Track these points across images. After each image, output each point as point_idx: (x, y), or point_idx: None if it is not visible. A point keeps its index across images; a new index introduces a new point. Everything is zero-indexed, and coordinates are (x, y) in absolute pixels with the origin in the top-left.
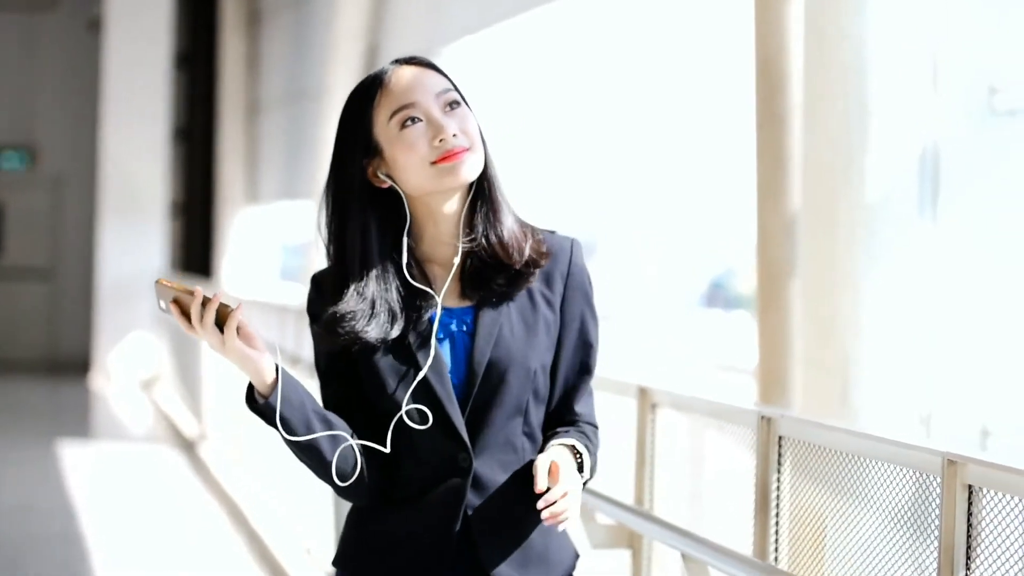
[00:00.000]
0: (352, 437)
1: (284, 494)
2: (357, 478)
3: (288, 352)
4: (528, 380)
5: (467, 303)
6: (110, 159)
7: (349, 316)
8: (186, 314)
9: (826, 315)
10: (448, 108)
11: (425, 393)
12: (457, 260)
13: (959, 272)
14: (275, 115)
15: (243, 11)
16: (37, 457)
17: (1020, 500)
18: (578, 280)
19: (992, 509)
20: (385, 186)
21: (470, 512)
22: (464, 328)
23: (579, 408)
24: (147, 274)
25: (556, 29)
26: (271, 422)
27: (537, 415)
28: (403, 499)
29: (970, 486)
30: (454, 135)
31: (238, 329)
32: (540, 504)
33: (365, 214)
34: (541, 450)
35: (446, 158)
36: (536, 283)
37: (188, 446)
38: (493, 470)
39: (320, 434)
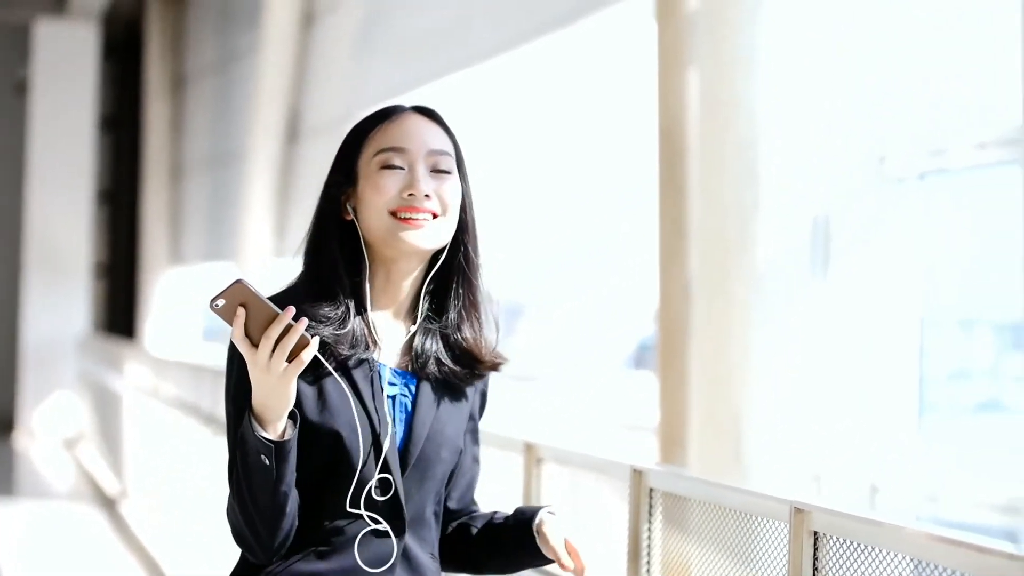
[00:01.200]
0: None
1: (202, 550)
2: (288, 530)
3: (204, 412)
4: (452, 460)
5: (404, 365)
6: (35, 220)
7: (341, 337)
8: (247, 324)
9: (719, 375)
10: (435, 170)
11: (375, 455)
12: (414, 328)
13: (848, 333)
14: (199, 177)
15: (167, 76)
16: None
17: (861, 545)
18: (487, 386)
19: (836, 554)
20: (348, 218)
21: None
22: (408, 395)
23: (476, 505)
24: (70, 335)
25: (473, 94)
26: (274, 461)
27: (443, 494)
28: (326, 552)
29: (815, 532)
30: (426, 195)
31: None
32: None
33: (340, 240)
34: (489, 533)
35: (407, 212)
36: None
37: (109, 504)
38: (414, 543)
39: (289, 504)
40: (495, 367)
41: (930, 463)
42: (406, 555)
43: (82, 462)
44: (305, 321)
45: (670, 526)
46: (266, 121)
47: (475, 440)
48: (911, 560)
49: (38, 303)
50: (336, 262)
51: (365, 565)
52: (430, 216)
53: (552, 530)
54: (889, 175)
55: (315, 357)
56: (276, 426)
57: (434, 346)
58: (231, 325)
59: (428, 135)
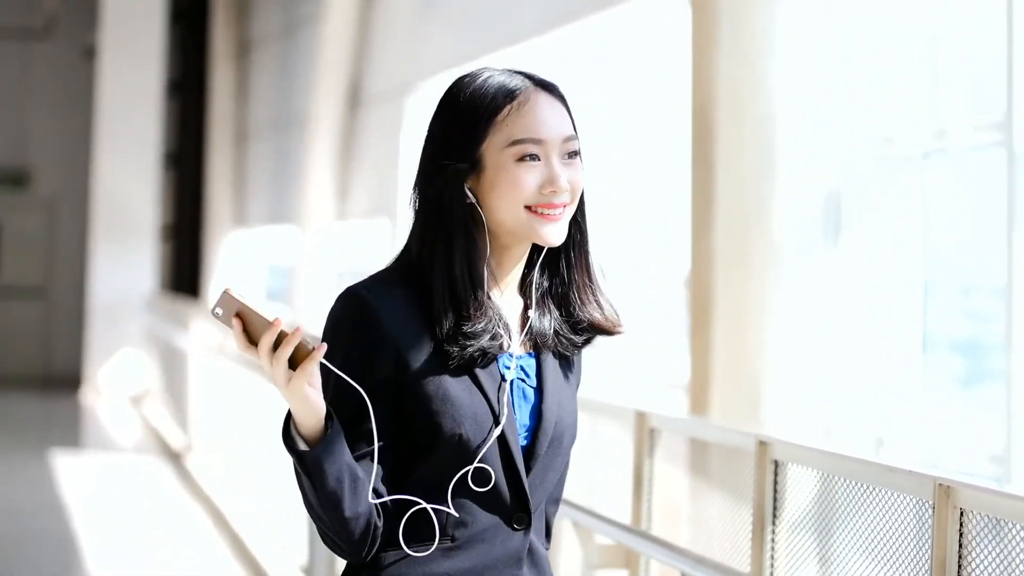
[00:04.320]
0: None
1: (264, 501)
2: (371, 537)
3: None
4: (571, 447)
5: (526, 349)
6: (103, 182)
7: (478, 332)
8: (247, 333)
9: (739, 337)
10: (567, 157)
11: (499, 446)
12: (531, 313)
13: (856, 298)
14: (262, 141)
15: (233, 41)
16: (30, 467)
17: (816, 471)
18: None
19: (794, 480)
20: (468, 202)
21: None
22: (526, 379)
23: (558, 494)
24: (137, 294)
25: (531, 65)
26: (307, 471)
27: None
28: (450, 549)
29: (776, 461)
30: (565, 190)
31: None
32: None
33: (465, 227)
34: None
35: (547, 208)
36: None
37: (175, 457)
38: (537, 536)
39: (399, 496)
40: (613, 328)
41: (931, 417)
42: (530, 549)
43: (148, 418)
44: (301, 330)
45: (667, 461)
46: (328, 87)
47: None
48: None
49: (106, 263)
50: (471, 252)
51: (496, 562)
52: (563, 207)
53: None
54: (895, 154)
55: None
56: (308, 435)
57: (553, 322)
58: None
59: (560, 120)
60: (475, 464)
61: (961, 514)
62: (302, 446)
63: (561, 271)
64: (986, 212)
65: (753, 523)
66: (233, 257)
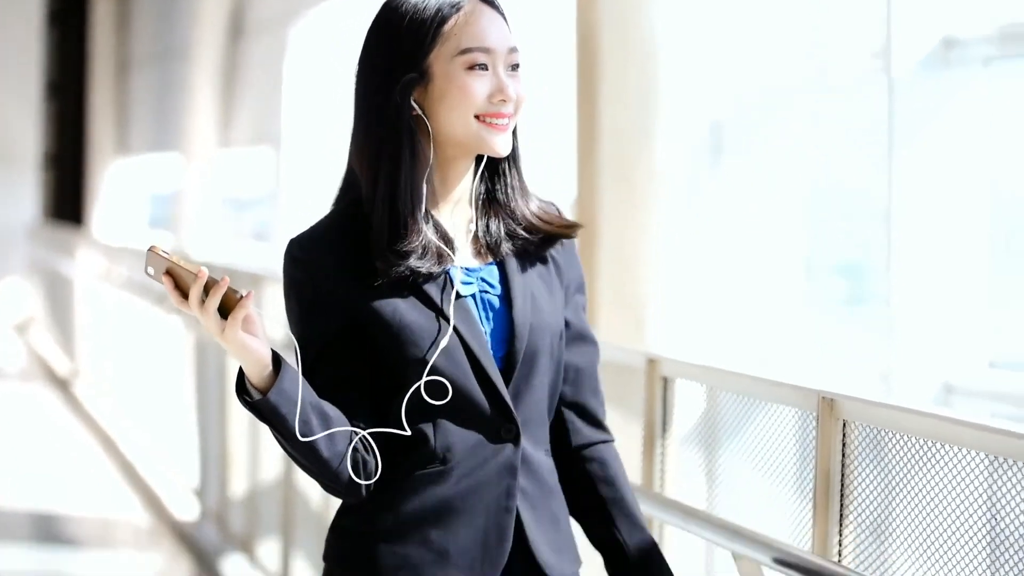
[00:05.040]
0: (358, 431)
1: (154, 426)
2: (369, 481)
3: (156, 293)
4: (559, 349)
5: (485, 261)
6: None
7: (410, 251)
8: (180, 288)
9: (624, 259)
10: (511, 69)
11: (459, 355)
12: (472, 224)
13: (740, 222)
14: (145, 71)
15: None
16: None
17: (704, 386)
18: (573, 244)
19: (683, 395)
20: (414, 113)
21: (518, 494)
22: (490, 289)
23: (600, 384)
24: (19, 223)
25: None
26: (266, 419)
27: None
28: (440, 473)
29: (664, 377)
30: (512, 99)
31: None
32: None
33: (412, 138)
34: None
35: (495, 118)
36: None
37: (62, 384)
38: (533, 446)
39: (324, 433)
40: (570, 229)
41: (816, 338)
42: (525, 458)
43: (33, 345)
44: (227, 280)
45: None
46: (211, 16)
47: (580, 316)
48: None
49: None
50: (416, 167)
51: (488, 478)
52: (509, 117)
53: None
54: (778, 83)
55: (348, 321)
56: (260, 385)
57: (501, 225)
58: None
59: (504, 30)
60: (425, 377)
61: (844, 425)
62: (255, 396)
63: (500, 178)
64: (867, 139)
65: (644, 438)
66: (116, 185)
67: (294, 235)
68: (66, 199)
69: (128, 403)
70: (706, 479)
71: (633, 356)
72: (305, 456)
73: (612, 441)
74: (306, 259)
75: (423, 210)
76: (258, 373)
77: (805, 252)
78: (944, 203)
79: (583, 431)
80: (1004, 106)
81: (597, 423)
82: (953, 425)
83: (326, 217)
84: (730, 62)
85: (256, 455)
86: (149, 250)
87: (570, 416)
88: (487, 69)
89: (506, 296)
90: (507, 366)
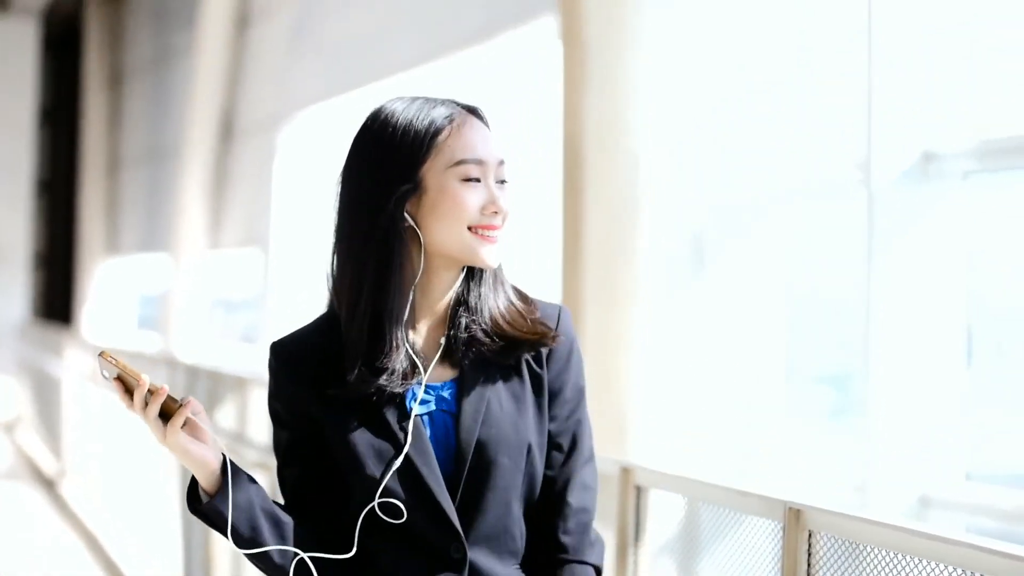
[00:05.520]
0: (303, 548)
1: (139, 526)
2: None
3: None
4: (523, 460)
5: (447, 377)
6: None
7: (384, 368)
8: (130, 392)
9: (606, 367)
10: (500, 183)
11: (408, 477)
12: (444, 340)
13: (721, 331)
14: (135, 171)
15: (105, 71)
16: None
17: (677, 496)
18: (565, 351)
19: (656, 505)
20: (405, 225)
21: None
22: (443, 406)
23: (572, 499)
24: (9, 321)
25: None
26: (214, 526)
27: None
28: None
29: (638, 486)
30: (504, 212)
31: (185, 421)
32: None
33: (403, 250)
34: None
35: (487, 230)
36: (526, 357)
37: (48, 484)
38: (492, 562)
39: (270, 548)
40: (541, 337)
41: (795, 448)
42: (475, 574)
43: (21, 445)
44: (165, 389)
45: None
46: (201, 118)
47: (571, 417)
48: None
49: None
50: (407, 283)
51: None
52: (498, 230)
53: None
54: (759, 193)
55: (316, 427)
56: (208, 488)
57: (466, 331)
58: None
59: (493, 143)
60: (378, 499)
61: (810, 535)
62: (204, 500)
63: (475, 280)
64: (846, 248)
65: (616, 547)
66: (105, 285)
67: (276, 338)
68: (56, 298)
69: (113, 503)
70: None
71: (607, 464)
72: (257, 560)
73: (590, 565)
74: (278, 365)
75: (403, 326)
76: (206, 479)
77: (785, 361)
78: (922, 313)
79: (561, 543)
80: (982, 219)
81: (579, 540)
82: (920, 538)
83: (312, 322)
84: (711, 170)
85: (239, 555)
86: (100, 355)
87: (553, 526)
88: (480, 181)
89: (457, 412)
90: (452, 482)
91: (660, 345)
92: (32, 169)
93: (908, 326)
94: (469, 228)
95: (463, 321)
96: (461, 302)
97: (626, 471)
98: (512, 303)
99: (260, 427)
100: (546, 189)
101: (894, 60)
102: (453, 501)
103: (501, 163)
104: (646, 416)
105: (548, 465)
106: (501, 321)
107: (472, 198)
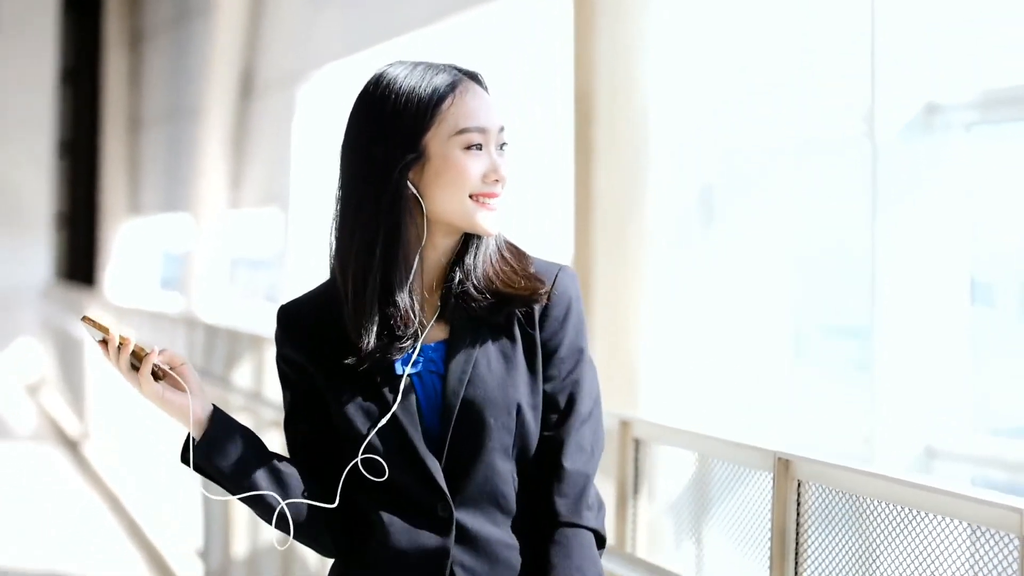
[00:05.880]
0: (293, 494)
1: (160, 487)
2: (309, 533)
3: (197, 365)
4: (512, 421)
5: (438, 337)
6: None
7: (395, 332)
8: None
9: (617, 322)
10: (500, 149)
11: (395, 436)
12: (439, 303)
13: (730, 285)
14: (157, 130)
15: (126, 30)
16: None
17: (674, 448)
18: (561, 311)
19: (654, 457)
20: (408, 193)
21: (457, 571)
22: (432, 367)
23: (567, 462)
24: (32, 283)
25: (417, 56)
26: (204, 473)
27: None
28: (380, 559)
29: (636, 439)
30: (505, 179)
31: (166, 371)
32: None
33: (409, 217)
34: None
35: (488, 198)
36: (519, 315)
37: (72, 445)
38: (480, 522)
39: (252, 493)
40: (532, 293)
41: (804, 402)
42: (467, 536)
43: (45, 406)
44: (130, 340)
45: None
46: (220, 76)
47: (568, 378)
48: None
49: (0, 252)
50: (412, 251)
51: (418, 554)
52: (498, 199)
53: None
54: (767, 147)
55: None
56: (198, 437)
57: (459, 288)
58: None
59: (494, 110)
60: (361, 455)
61: (799, 485)
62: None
63: (473, 241)
64: (852, 201)
65: (616, 500)
66: (128, 245)
67: (284, 301)
68: (78, 260)
69: (135, 464)
70: (674, 540)
71: (607, 418)
72: (254, 505)
73: (586, 528)
74: (280, 329)
75: (414, 290)
76: (195, 429)
77: (794, 314)
78: (926, 264)
79: (555, 506)
80: (985, 169)
81: (574, 503)
82: (904, 487)
83: (318, 287)
84: (719, 127)
85: (256, 518)
86: (82, 319)
87: (548, 490)
88: (482, 149)
89: (445, 372)
90: (436, 441)
91: (670, 299)
92: (53, 129)
93: (913, 278)
94: (471, 196)
95: (456, 278)
96: (457, 262)
97: (625, 424)
98: (504, 258)
99: (277, 386)
100: (558, 146)
101: (897, 13)
102: (440, 461)
103: (502, 129)
104: (657, 372)
105: (545, 426)
106: (494, 277)
107: (475, 166)
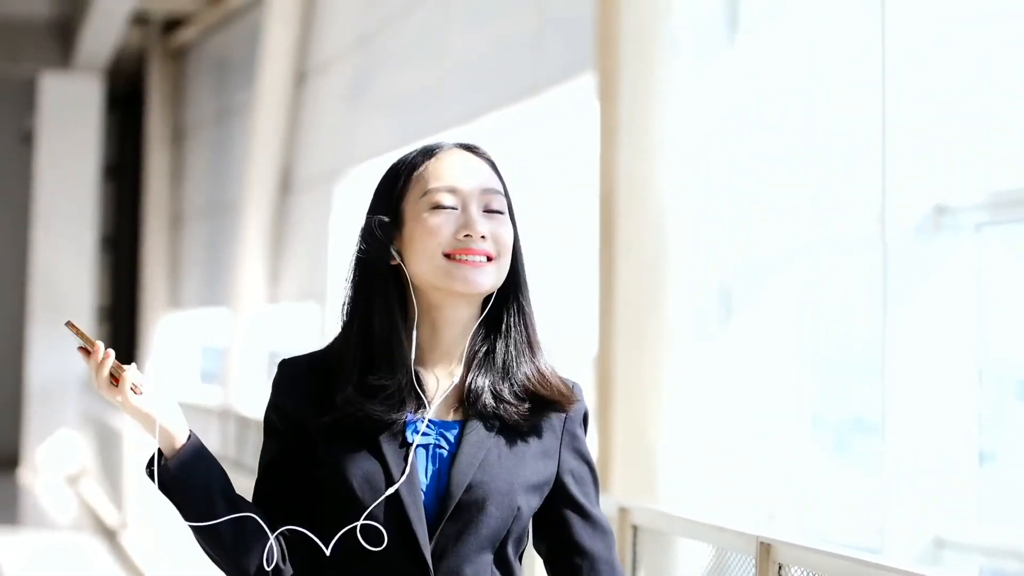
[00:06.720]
0: (269, 529)
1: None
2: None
3: (229, 457)
4: (510, 515)
5: (454, 418)
6: (40, 264)
7: (375, 393)
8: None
9: (637, 414)
10: (487, 211)
11: (394, 508)
12: (456, 378)
13: (748, 379)
14: (197, 225)
15: (168, 127)
16: None
17: (668, 535)
18: (581, 421)
19: (651, 544)
20: (393, 263)
21: None
22: (445, 445)
23: (589, 544)
24: (73, 375)
25: None
26: (164, 488)
27: (514, 552)
28: None
29: (634, 526)
30: (482, 236)
31: (141, 391)
32: None
33: (386, 283)
34: None
35: (463, 254)
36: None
37: (110, 535)
38: None
39: (239, 515)
40: (566, 402)
41: (820, 492)
42: None
43: (84, 496)
44: (111, 354)
45: None
46: (260, 173)
47: (583, 478)
48: None
49: (43, 345)
50: (393, 314)
51: None
52: (485, 258)
53: None
54: (782, 247)
55: (303, 443)
56: (168, 451)
57: (488, 381)
58: None
59: (478, 172)
60: (362, 520)
61: (780, 568)
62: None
63: (505, 338)
64: (863, 298)
65: None
66: (168, 339)
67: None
68: (119, 351)
69: (172, 554)
70: None
71: (605, 505)
72: (209, 540)
73: None
74: (281, 378)
75: (396, 356)
76: (167, 446)
77: (809, 406)
78: (935, 360)
79: None
80: (994, 269)
81: None
82: (880, 571)
83: (322, 348)
84: (736, 225)
85: None
86: (66, 324)
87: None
88: (456, 209)
89: (455, 453)
90: (434, 518)
91: (689, 392)
92: (96, 224)
93: (922, 373)
94: (446, 256)
95: (487, 380)
96: (486, 353)
97: (623, 511)
98: (545, 365)
99: None
100: (585, 244)
101: (906, 117)
102: (430, 538)
103: (487, 191)
104: (676, 463)
105: (584, 537)
106: (532, 382)
107: (444, 223)
